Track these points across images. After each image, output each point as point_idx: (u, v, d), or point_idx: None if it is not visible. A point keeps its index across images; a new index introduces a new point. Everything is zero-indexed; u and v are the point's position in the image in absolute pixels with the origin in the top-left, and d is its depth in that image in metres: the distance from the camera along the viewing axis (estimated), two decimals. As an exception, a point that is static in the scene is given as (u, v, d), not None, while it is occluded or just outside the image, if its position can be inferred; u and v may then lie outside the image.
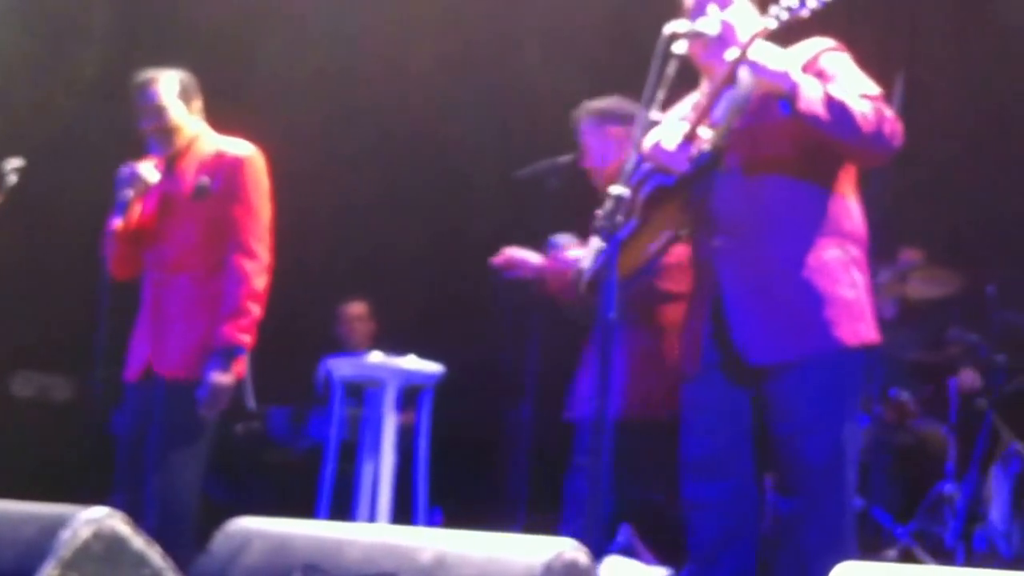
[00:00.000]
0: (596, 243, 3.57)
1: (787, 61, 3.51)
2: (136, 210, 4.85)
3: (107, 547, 2.51)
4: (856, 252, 3.68)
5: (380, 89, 8.25)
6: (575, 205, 4.77)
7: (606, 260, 3.52)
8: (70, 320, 6.70)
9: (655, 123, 3.62)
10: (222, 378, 4.62)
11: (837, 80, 3.59)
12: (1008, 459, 6.00)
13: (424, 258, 8.43)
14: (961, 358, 6.37)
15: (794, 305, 3.60)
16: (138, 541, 2.54)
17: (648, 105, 3.58)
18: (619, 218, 3.51)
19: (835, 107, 3.47)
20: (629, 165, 3.60)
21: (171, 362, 4.73)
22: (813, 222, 3.64)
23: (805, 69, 3.61)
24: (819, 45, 3.74)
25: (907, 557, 5.73)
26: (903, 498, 6.24)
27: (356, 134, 8.23)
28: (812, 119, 3.46)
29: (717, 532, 3.72)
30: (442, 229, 8.38)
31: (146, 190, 4.84)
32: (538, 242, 5.48)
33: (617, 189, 3.52)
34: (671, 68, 3.59)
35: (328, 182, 7.89)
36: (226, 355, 4.65)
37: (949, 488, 5.98)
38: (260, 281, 4.75)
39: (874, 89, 3.61)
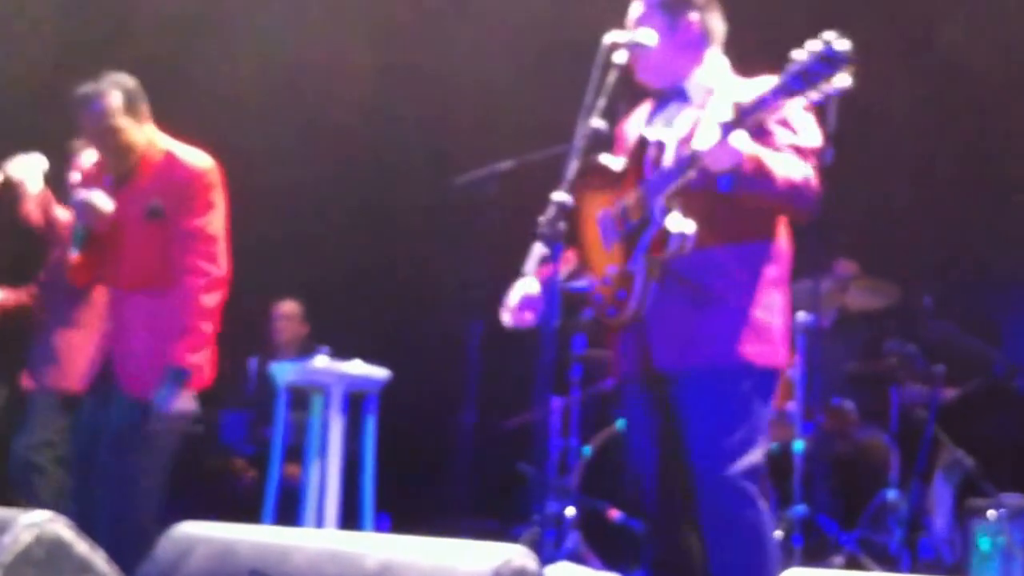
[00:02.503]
0: (538, 249, 3.56)
1: (744, 141, 3.47)
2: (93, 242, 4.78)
3: (49, 552, 2.48)
4: (776, 272, 3.71)
5: (316, 93, 8.24)
6: (514, 211, 4.80)
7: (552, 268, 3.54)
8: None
9: (596, 130, 3.63)
10: (173, 401, 4.56)
11: (781, 131, 3.62)
12: (951, 467, 6.06)
13: (365, 264, 8.42)
14: (899, 368, 6.41)
15: (702, 316, 3.63)
16: (81, 546, 2.50)
17: (588, 113, 3.62)
18: (561, 224, 3.53)
19: (767, 189, 3.50)
20: (570, 173, 3.61)
21: (137, 381, 4.65)
22: (738, 236, 3.66)
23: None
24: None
25: (853, 564, 5.77)
26: (846, 506, 6.27)
27: (293, 137, 8.22)
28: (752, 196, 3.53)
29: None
30: (381, 235, 8.39)
31: (101, 220, 4.73)
32: (477, 249, 5.51)
33: (559, 196, 3.54)
34: (611, 77, 3.66)
35: (264, 185, 7.87)
36: (177, 378, 4.58)
37: (892, 496, 6.03)
38: (211, 298, 4.67)
39: (814, 141, 3.66)
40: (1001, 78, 7.10)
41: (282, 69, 8.21)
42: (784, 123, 3.63)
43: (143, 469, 4.61)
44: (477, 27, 7.97)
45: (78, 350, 5.61)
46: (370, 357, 5.55)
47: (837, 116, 4.78)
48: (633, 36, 3.77)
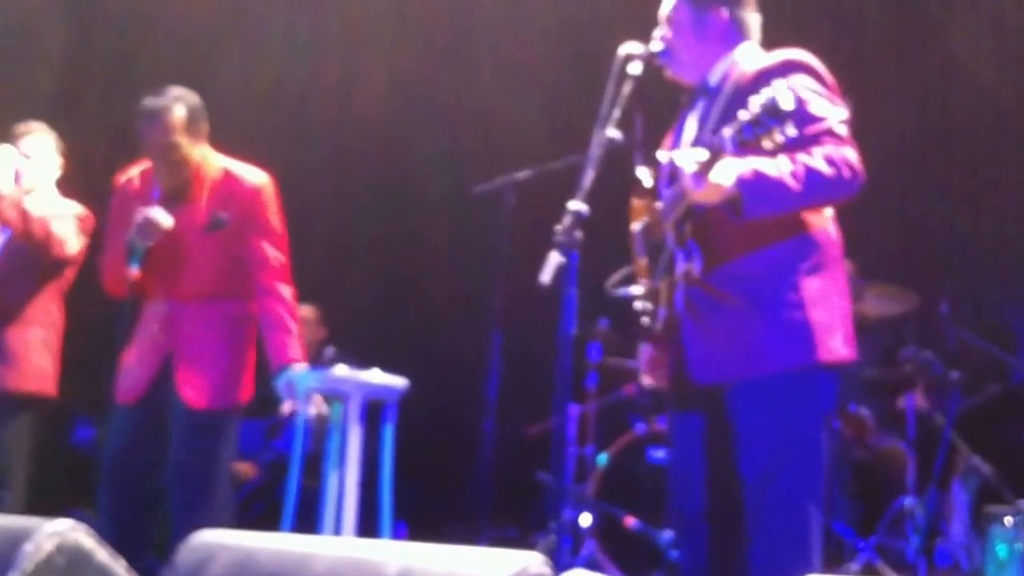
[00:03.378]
0: (555, 257, 3.57)
1: (727, 171, 3.40)
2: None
3: (70, 561, 2.49)
4: (809, 263, 3.62)
5: (335, 104, 8.27)
6: (532, 220, 4.81)
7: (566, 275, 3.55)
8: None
9: (611, 140, 3.65)
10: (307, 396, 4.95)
11: (803, 108, 3.55)
12: (968, 474, 6.06)
13: (380, 272, 8.44)
14: (916, 375, 6.41)
15: (735, 326, 3.60)
16: (102, 554, 2.52)
17: (604, 124, 3.64)
18: (577, 233, 3.54)
19: (784, 198, 3.43)
20: (586, 182, 3.62)
21: (199, 392, 4.80)
22: (763, 239, 3.61)
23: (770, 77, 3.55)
24: (785, 58, 3.68)
25: (870, 571, 5.77)
26: (863, 513, 6.28)
27: (311, 149, 8.25)
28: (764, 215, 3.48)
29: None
30: (397, 244, 8.41)
31: (161, 236, 4.83)
32: (494, 258, 5.52)
33: (576, 205, 3.55)
34: (626, 88, 3.68)
35: (283, 196, 7.89)
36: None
37: (910, 502, 6.03)
38: (292, 299, 5.04)
39: (833, 114, 3.55)
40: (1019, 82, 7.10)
41: (300, 81, 8.25)
42: (804, 115, 3.46)
43: (217, 477, 4.75)
44: (492, 41, 8.00)
45: (31, 348, 5.48)
46: (390, 365, 5.57)
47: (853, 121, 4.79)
48: (647, 47, 3.80)
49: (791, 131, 3.26)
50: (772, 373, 3.57)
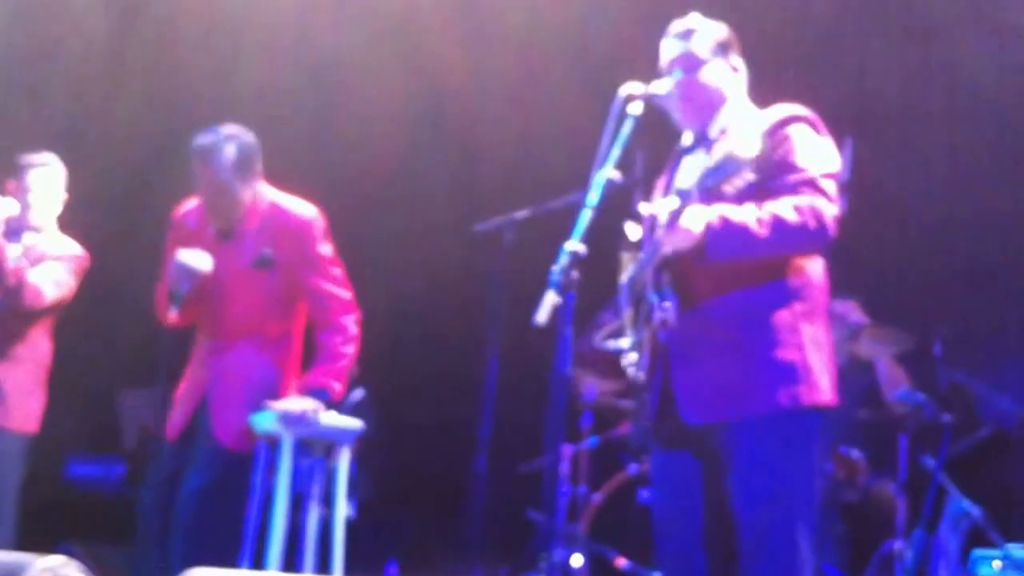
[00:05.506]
0: (551, 297, 3.58)
1: (696, 218, 3.48)
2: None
3: (65, 596, 2.50)
4: (804, 307, 3.65)
5: (351, 128, 8.26)
6: (532, 259, 4.83)
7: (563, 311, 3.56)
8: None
9: (610, 180, 3.67)
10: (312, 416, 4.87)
11: (790, 158, 3.61)
12: (957, 516, 6.06)
13: (378, 305, 8.43)
14: (908, 417, 6.41)
15: (730, 366, 3.62)
16: (98, 590, 2.52)
17: (603, 164, 3.66)
18: (574, 273, 3.55)
19: (746, 243, 3.50)
20: (582, 223, 3.63)
21: (232, 433, 4.82)
22: (756, 279, 3.64)
23: (769, 134, 3.60)
24: (785, 113, 3.74)
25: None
26: (853, 555, 6.27)
27: (326, 173, 8.24)
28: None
29: None
30: (399, 280, 8.41)
31: (201, 281, 4.81)
32: (492, 296, 5.53)
33: (572, 245, 3.56)
34: (626, 128, 3.71)
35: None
36: (320, 396, 4.90)
37: (899, 545, 6.02)
38: (353, 324, 5.03)
39: (817, 167, 3.62)
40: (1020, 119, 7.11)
41: (317, 103, 8.26)
42: (786, 162, 3.60)
43: (229, 519, 4.74)
44: (511, 66, 8.01)
45: (20, 387, 5.42)
46: (384, 401, 5.59)
47: (852, 160, 4.81)
48: (648, 88, 3.81)
49: (749, 176, 3.34)
50: (768, 412, 3.59)
